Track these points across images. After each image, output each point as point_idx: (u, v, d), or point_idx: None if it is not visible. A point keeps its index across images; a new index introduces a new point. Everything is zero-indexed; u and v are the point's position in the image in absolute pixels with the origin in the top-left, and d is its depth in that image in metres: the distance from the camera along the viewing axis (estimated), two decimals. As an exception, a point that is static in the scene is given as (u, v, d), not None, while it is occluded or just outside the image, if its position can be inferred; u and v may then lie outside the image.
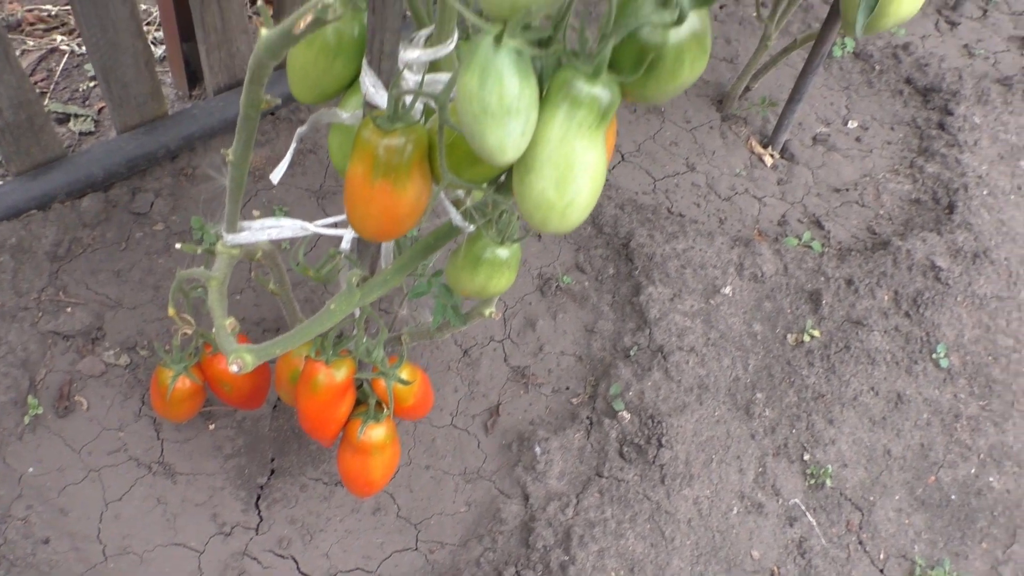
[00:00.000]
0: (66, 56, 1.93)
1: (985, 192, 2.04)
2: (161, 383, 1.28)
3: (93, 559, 1.28)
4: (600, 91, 0.61)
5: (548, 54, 0.61)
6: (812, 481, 1.57)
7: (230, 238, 1.13)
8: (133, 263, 1.56)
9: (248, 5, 2.09)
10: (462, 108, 0.60)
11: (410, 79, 0.89)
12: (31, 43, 1.97)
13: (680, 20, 0.57)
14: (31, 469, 1.33)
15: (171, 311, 1.14)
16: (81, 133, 1.82)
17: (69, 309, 1.48)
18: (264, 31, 0.72)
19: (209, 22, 1.58)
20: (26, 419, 1.35)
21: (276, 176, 1.14)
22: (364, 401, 1.21)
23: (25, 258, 1.49)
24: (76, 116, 1.83)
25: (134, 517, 1.33)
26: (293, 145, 1.11)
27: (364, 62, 0.92)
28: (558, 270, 1.75)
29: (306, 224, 1.14)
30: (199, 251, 1.14)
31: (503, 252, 0.92)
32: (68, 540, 1.28)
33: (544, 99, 0.62)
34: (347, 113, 1.04)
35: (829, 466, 1.59)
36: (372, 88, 0.92)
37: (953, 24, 2.56)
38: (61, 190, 1.55)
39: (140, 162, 1.63)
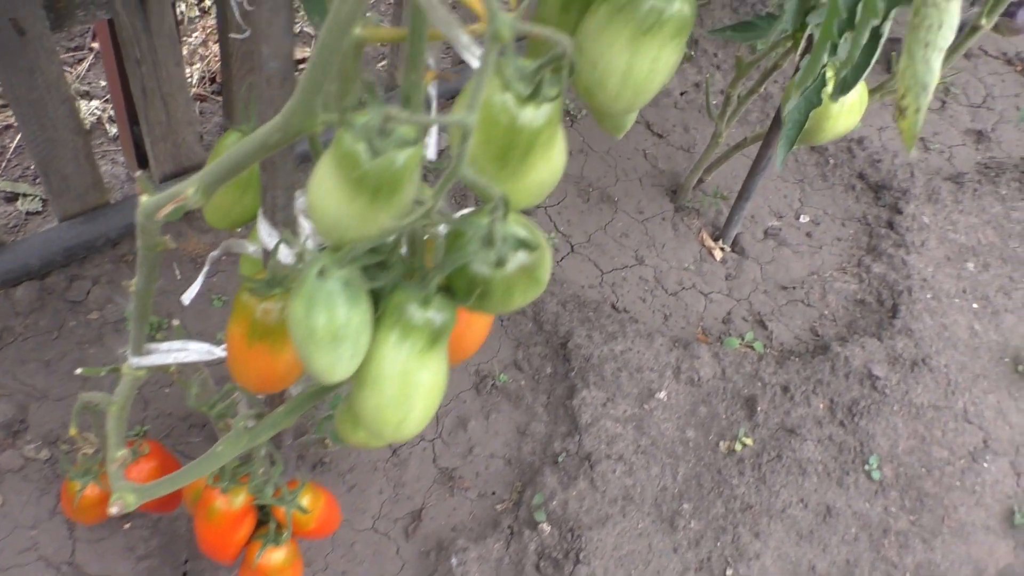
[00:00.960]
0: (20, 134, 1.95)
1: (929, 295, 2.06)
2: (70, 490, 1.28)
3: (-9, 668, 1.27)
4: (433, 315, 0.62)
5: (383, 275, 0.62)
6: (735, 597, 1.57)
7: (135, 361, 1.14)
8: (64, 353, 1.56)
9: (194, 101, 2.12)
10: (292, 331, 0.61)
11: (306, 226, 0.91)
12: (-10, 116, 1.98)
13: (500, 265, 0.58)
14: (-63, 570, 1.32)
15: (72, 431, 1.14)
16: (28, 213, 1.83)
17: (-7, 400, 1.48)
18: (144, 199, 0.74)
19: (153, 116, 1.60)
20: (-63, 517, 1.35)
21: (188, 298, 1.14)
22: (267, 521, 1.22)
23: (-48, 347, 1.49)
24: (24, 195, 1.84)
25: (38, 623, 1.32)
26: (205, 268, 1.11)
27: (260, 211, 0.93)
28: (496, 367, 1.75)
29: (213, 348, 1.14)
30: (103, 374, 1.15)
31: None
32: (-33, 647, 1.27)
33: (379, 320, 0.63)
34: (253, 246, 1.05)
35: (753, 581, 1.58)
36: (267, 237, 0.93)
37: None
38: (-5, 278, 1.55)
39: (79, 250, 1.64)
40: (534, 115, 0.55)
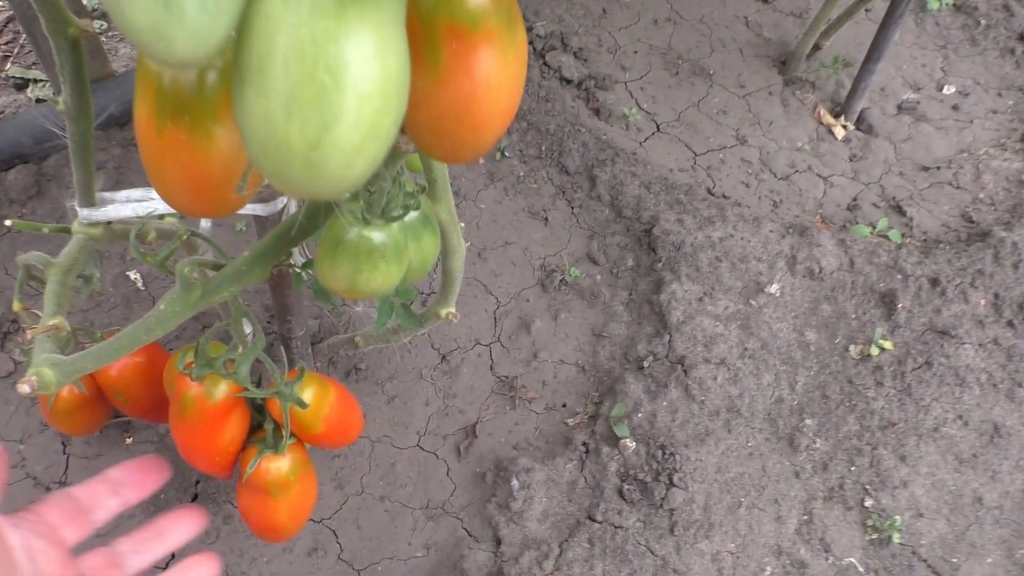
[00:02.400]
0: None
1: (1120, 170, 1.63)
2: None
3: (-35, 598, 1.07)
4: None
5: None
6: (875, 535, 1.23)
7: (85, 214, 0.89)
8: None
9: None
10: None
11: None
12: (0, 3, 1.80)
13: None
14: (-90, 485, 1.13)
15: (16, 306, 0.91)
16: (39, 99, 1.64)
17: (-19, 297, 1.28)
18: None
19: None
20: (-89, 426, 1.16)
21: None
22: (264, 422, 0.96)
23: (-63, 238, 1.30)
24: (35, 81, 1.64)
25: (23, 547, 1.11)
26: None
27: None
28: (565, 260, 1.45)
29: (184, 197, 0.89)
30: (45, 230, 0.91)
31: (374, 235, 0.64)
32: (-62, 574, 1.07)
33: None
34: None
35: (898, 516, 1.24)
36: None
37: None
38: (-16, 161, 1.35)
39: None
40: None
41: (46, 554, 0.47)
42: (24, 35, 1.75)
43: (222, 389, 0.87)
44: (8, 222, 0.83)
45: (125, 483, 0.58)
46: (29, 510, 0.51)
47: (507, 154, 1.56)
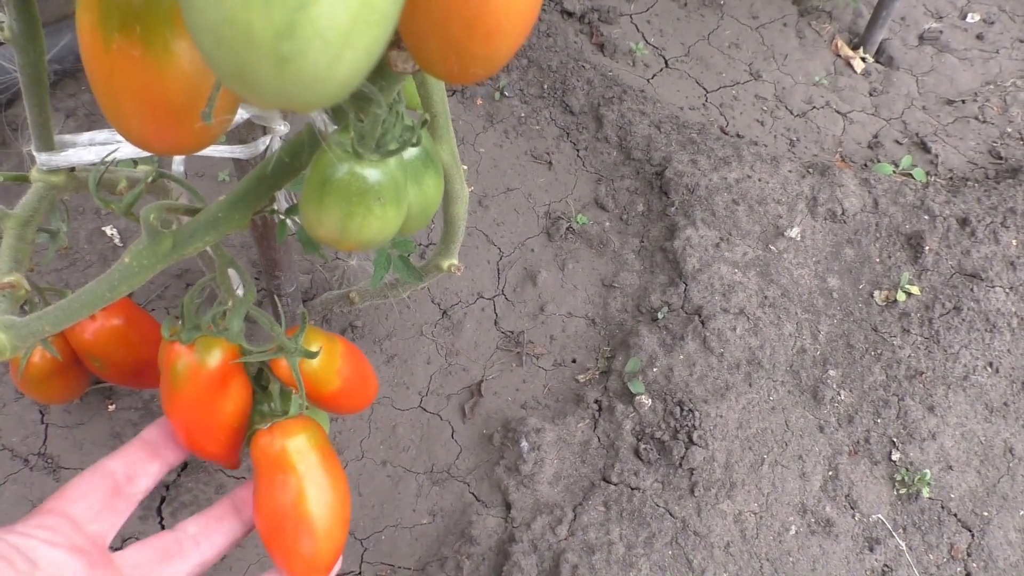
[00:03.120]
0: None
1: None
2: (13, 358, 0.98)
3: (-59, 579, 1.00)
4: None
5: None
6: (903, 490, 1.17)
7: (44, 159, 0.80)
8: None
9: None
10: None
11: None
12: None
13: None
14: None
15: (-26, 265, 0.82)
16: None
17: (-55, 258, 1.18)
18: None
19: None
20: None
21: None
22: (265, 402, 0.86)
23: None
24: None
25: (2, 524, 1.04)
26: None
27: None
28: (572, 207, 1.36)
29: (153, 140, 0.79)
30: (1, 179, 0.82)
31: (368, 172, 0.55)
32: (-89, 554, 1.00)
33: None
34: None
35: (927, 470, 1.18)
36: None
37: None
38: (-59, 109, 1.24)
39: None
40: None
41: (65, 566, 0.41)
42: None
43: (217, 353, 0.74)
44: (-45, 171, 0.74)
45: (163, 443, 0.54)
46: (47, 510, 0.44)
47: (507, 94, 1.46)
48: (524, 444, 1.11)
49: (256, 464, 0.65)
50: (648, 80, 1.54)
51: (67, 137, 0.81)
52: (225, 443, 0.71)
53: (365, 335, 1.21)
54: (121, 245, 1.23)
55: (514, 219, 1.35)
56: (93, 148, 0.81)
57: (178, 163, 0.76)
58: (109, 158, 0.81)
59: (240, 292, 0.87)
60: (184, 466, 1.11)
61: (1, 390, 1.13)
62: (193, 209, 0.67)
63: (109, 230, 1.25)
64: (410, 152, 0.60)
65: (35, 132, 0.78)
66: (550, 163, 1.41)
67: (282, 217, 0.70)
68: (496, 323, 1.26)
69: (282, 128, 0.81)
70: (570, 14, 1.58)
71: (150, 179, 0.66)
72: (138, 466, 0.50)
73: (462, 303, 1.26)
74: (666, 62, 1.59)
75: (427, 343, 1.22)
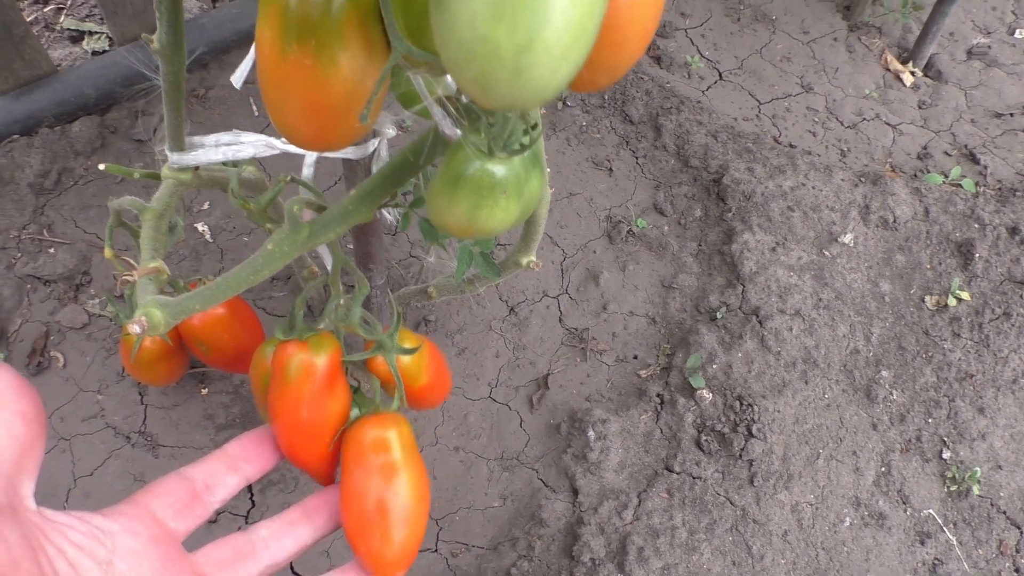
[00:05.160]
0: (81, -34, 1.72)
1: None
2: (127, 342, 1.06)
3: (54, 544, 1.08)
4: None
5: None
6: (953, 487, 1.21)
7: (176, 158, 0.88)
8: (130, 193, 1.34)
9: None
10: None
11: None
12: (50, -45, 1.77)
13: None
14: (-7, 435, 1.14)
15: (107, 252, 0.90)
16: (94, 52, 1.62)
17: (52, 250, 1.28)
18: None
19: (213, -90, 1.32)
20: (-9, 376, 1.17)
21: (238, 78, 0.87)
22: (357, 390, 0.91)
23: (5, 190, 1.29)
24: (90, 34, 1.63)
25: (106, 497, 1.13)
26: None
27: None
28: (631, 211, 1.42)
29: (273, 141, 0.87)
30: (136, 175, 0.90)
31: (496, 169, 0.62)
32: (26, 520, 1.09)
33: None
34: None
35: (977, 468, 1.22)
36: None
37: None
38: (48, 112, 1.34)
39: (143, 80, 1.40)
40: None
41: (143, 556, 0.43)
42: (75, -13, 1.72)
43: (327, 351, 0.74)
44: (101, 166, 0.82)
45: (244, 458, 0.55)
46: (131, 501, 0.46)
47: (568, 103, 1.53)
48: (591, 433, 1.17)
49: (350, 454, 0.66)
50: (703, 92, 1.61)
51: (196, 138, 0.89)
52: (326, 447, 0.69)
53: (438, 329, 1.29)
54: (212, 240, 1.32)
55: (576, 222, 1.42)
56: (220, 148, 0.89)
57: (308, 167, 0.84)
58: (234, 158, 0.89)
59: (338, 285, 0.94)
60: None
61: (104, 372, 1.21)
62: (320, 206, 0.75)
63: (200, 226, 1.33)
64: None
65: (170, 133, 0.87)
66: (610, 170, 1.47)
67: (407, 209, 0.77)
68: (561, 320, 1.32)
69: (391, 132, 0.88)
70: (629, 28, 1.65)
71: (287, 180, 0.74)
72: (218, 477, 0.51)
73: (528, 300, 1.33)
74: (720, 75, 1.65)
75: (496, 338, 1.29)
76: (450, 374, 0.96)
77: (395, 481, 0.65)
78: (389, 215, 1.03)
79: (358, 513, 0.63)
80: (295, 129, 0.61)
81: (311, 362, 0.73)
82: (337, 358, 0.74)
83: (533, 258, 1.00)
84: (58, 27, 1.67)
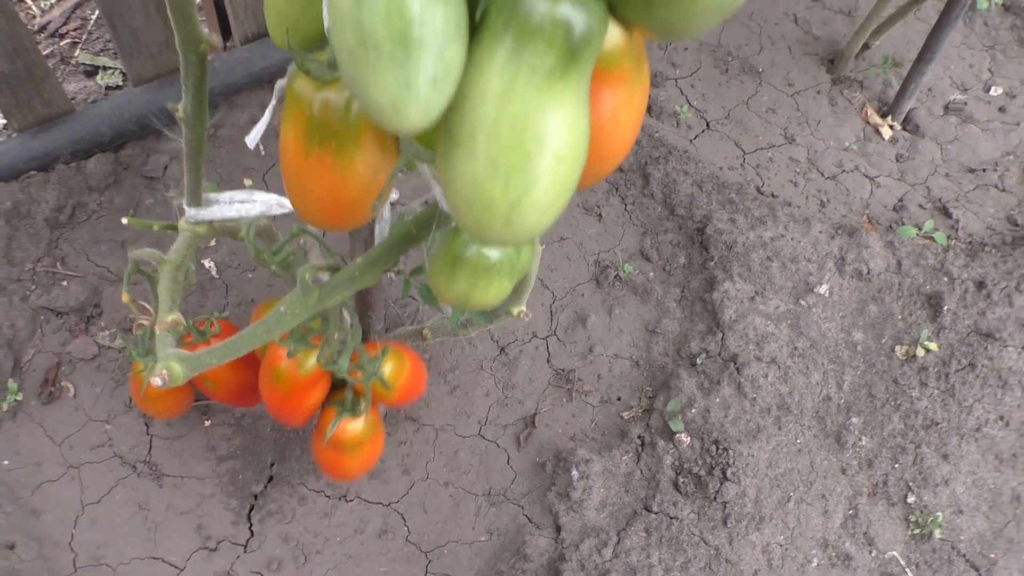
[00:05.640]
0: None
1: None
2: (137, 377, 1.12)
3: (61, 570, 1.14)
4: (568, 11, 0.37)
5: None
6: (917, 530, 1.28)
7: (193, 213, 0.94)
8: (140, 233, 1.40)
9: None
10: (336, 40, 0.37)
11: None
12: (66, -10, 1.84)
13: None
14: (6, 462, 1.20)
15: (125, 297, 0.97)
16: (108, 87, 1.68)
17: (65, 283, 1.34)
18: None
19: (229, -35, 1.39)
20: (5, 405, 1.22)
21: (252, 139, 0.94)
22: (343, 386, 1.03)
23: (22, 224, 1.35)
24: (104, 69, 1.69)
25: (112, 524, 1.18)
26: (272, 102, 0.90)
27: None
28: (619, 256, 1.49)
29: (283, 200, 0.94)
30: (156, 228, 0.96)
31: (491, 253, 0.69)
32: (36, 546, 1.15)
33: (479, 27, 0.38)
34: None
35: (940, 512, 1.29)
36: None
37: None
38: (65, 149, 1.40)
39: (155, 119, 1.46)
40: None
41: None
42: (92, 22, 1.79)
43: (311, 364, 0.95)
44: (124, 220, 0.88)
45: None
46: None
47: (562, 150, 1.60)
48: (574, 473, 1.23)
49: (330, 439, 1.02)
50: (691, 141, 1.68)
51: (211, 195, 0.96)
52: (303, 418, 1.04)
53: (431, 367, 1.35)
54: (217, 277, 1.38)
55: (566, 266, 1.48)
56: (233, 205, 0.95)
57: (316, 226, 0.90)
58: (246, 215, 0.95)
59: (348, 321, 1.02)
60: (270, 479, 1.24)
61: (111, 402, 1.27)
62: (334, 267, 0.82)
63: (207, 263, 1.39)
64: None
65: (188, 191, 0.93)
66: (600, 215, 1.54)
67: (408, 278, 0.84)
68: (549, 361, 1.39)
69: (394, 196, 0.95)
70: (621, 77, 1.73)
71: (297, 234, 0.80)
72: None
73: (518, 341, 1.39)
74: (708, 124, 1.72)
75: (486, 377, 1.36)
76: (424, 379, 1.11)
77: (346, 462, 1.06)
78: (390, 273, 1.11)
79: (323, 467, 1.07)
80: (315, 215, 0.68)
81: (296, 373, 1.01)
82: (319, 368, 0.95)
83: (523, 308, 1.06)
84: (73, 61, 1.73)
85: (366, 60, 0.36)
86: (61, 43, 1.77)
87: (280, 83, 0.88)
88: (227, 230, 1.00)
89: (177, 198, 0.97)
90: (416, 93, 0.37)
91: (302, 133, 0.62)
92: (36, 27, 1.78)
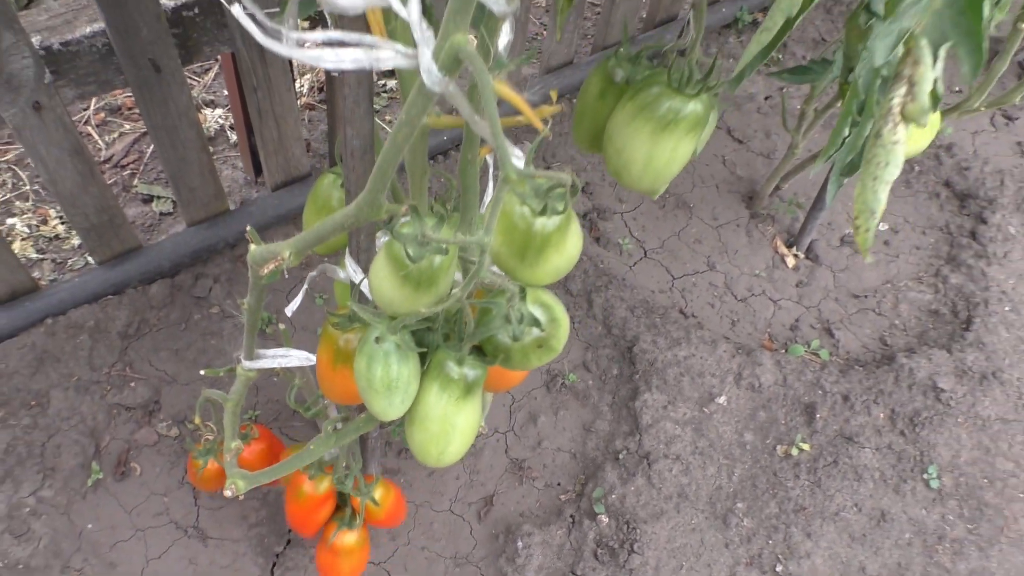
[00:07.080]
0: (153, 146, 2.21)
1: (1007, 308, 2.06)
2: (194, 466, 1.52)
3: (132, 609, 1.53)
4: (467, 371, 0.77)
5: (429, 338, 0.78)
6: (782, 593, 1.67)
7: (247, 364, 1.35)
8: (190, 342, 1.81)
9: (303, 109, 2.32)
10: (357, 381, 0.78)
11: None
12: (127, 127, 2.26)
13: (516, 339, 0.73)
14: (90, 526, 1.59)
15: (197, 420, 1.37)
16: (161, 213, 2.09)
17: (133, 384, 1.74)
18: (252, 248, 0.92)
19: (267, 134, 1.81)
20: (89, 481, 1.62)
21: (290, 310, 1.34)
22: (344, 506, 1.42)
23: (100, 337, 1.75)
24: (158, 198, 2.10)
25: (170, 575, 1.57)
26: (304, 287, 1.31)
27: (347, 251, 1.10)
28: (566, 367, 1.90)
29: (310, 356, 1.34)
30: (222, 374, 1.36)
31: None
32: (113, 591, 1.53)
33: (425, 373, 0.79)
34: (343, 273, 1.23)
35: (801, 580, 1.68)
36: (353, 273, 1.11)
37: (1010, 119, 2.54)
38: (134, 278, 1.81)
39: (203, 252, 1.87)
40: (545, 223, 0.69)
41: None
42: (148, 155, 2.21)
43: (325, 485, 1.35)
44: (202, 372, 1.28)
45: None
46: None
47: (525, 276, 2.01)
48: (520, 543, 1.63)
49: (330, 546, 1.38)
50: (631, 267, 2.09)
51: (260, 351, 1.36)
52: (314, 530, 1.42)
53: (410, 457, 1.74)
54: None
55: (525, 375, 1.89)
56: (276, 359, 1.35)
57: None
58: (284, 366, 1.35)
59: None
60: (288, 542, 1.64)
61: (168, 480, 1.66)
62: (347, 418, 1.22)
63: (242, 369, 1.79)
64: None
65: (246, 350, 1.33)
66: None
67: (393, 429, 1.24)
68: (506, 451, 1.79)
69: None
70: (577, 214, 2.14)
71: (320, 398, 1.21)
72: None
73: (483, 436, 1.79)
74: (645, 252, 2.14)
75: (457, 464, 1.75)
76: (405, 510, 1.48)
77: (341, 566, 1.45)
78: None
79: (323, 570, 1.45)
80: (338, 399, 1.10)
81: (313, 493, 1.38)
82: (330, 490, 1.32)
83: (483, 423, 1.47)
84: (133, 190, 2.15)
85: (371, 393, 0.77)
86: (123, 173, 2.19)
87: (311, 275, 1.30)
88: (265, 369, 1.40)
89: (236, 352, 1.37)
90: (394, 408, 0.77)
91: (331, 356, 1.03)
92: (102, 159, 2.20)
